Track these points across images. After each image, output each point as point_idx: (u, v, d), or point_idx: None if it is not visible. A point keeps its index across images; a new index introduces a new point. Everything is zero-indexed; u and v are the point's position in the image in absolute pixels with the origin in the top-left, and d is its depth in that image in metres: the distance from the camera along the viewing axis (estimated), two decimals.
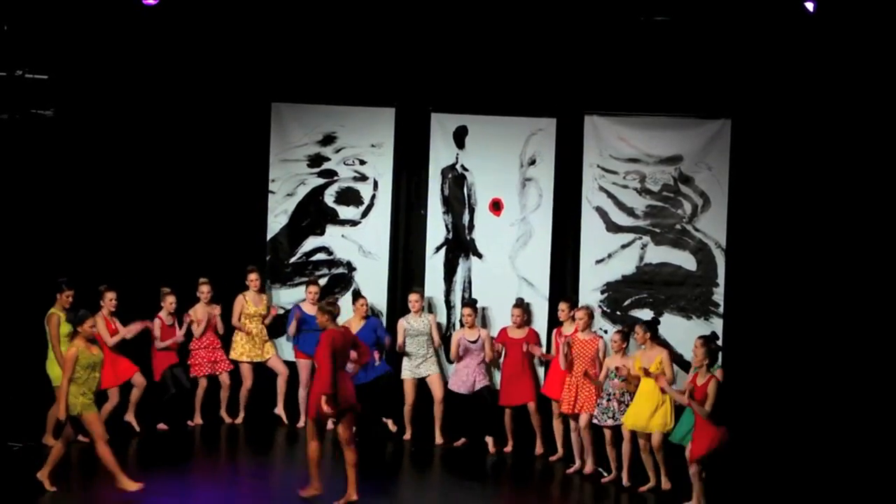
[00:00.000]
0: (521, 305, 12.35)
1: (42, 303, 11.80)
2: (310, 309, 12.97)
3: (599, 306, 12.54)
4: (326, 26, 12.75)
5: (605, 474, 11.34)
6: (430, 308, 13.05)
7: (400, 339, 12.64)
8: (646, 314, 12.40)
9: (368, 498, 10.53)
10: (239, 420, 13.04)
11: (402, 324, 12.67)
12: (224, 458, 12.35)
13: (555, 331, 12.19)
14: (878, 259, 11.62)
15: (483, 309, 12.83)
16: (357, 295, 12.99)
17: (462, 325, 12.54)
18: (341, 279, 13.51)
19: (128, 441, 12.08)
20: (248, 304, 13.03)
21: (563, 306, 12.10)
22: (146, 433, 12.41)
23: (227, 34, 12.91)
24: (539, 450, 12.19)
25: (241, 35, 12.91)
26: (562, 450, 11.95)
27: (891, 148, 11.54)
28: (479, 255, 13.11)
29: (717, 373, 10.21)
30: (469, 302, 12.60)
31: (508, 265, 12.97)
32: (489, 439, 12.34)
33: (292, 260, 13.66)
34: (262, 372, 13.19)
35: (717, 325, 12.18)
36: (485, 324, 12.77)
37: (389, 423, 12.85)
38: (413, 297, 12.71)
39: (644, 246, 12.56)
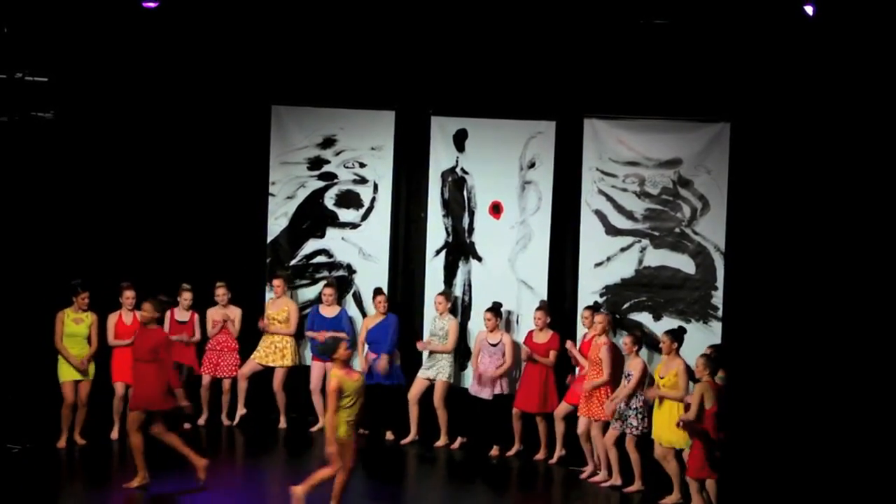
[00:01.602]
0: (543, 308, 12.34)
1: (43, 304, 11.96)
2: (326, 311, 13.17)
3: (602, 310, 12.40)
4: (326, 29, 12.80)
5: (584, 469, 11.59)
6: (455, 311, 13.08)
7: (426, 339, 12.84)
8: (645, 317, 12.44)
9: (369, 500, 10.68)
10: (236, 421, 13.13)
11: (429, 323, 12.89)
12: (223, 460, 12.34)
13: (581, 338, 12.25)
14: (878, 262, 11.58)
15: (508, 313, 12.84)
16: (377, 291, 13.07)
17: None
18: (342, 282, 13.55)
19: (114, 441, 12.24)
20: (268, 306, 13.27)
21: (585, 313, 12.16)
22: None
23: (226, 37, 12.98)
24: (543, 454, 12.26)
25: (240, 38, 12.98)
26: (561, 451, 12.05)
27: (891, 151, 11.54)
28: (479, 258, 13.14)
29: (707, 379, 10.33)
30: (490, 306, 12.57)
31: (508, 268, 12.97)
32: (496, 447, 12.41)
33: (292, 262, 13.74)
34: (266, 375, 13.27)
35: (715, 328, 12.19)
36: (508, 328, 12.79)
37: (388, 433, 12.91)
38: (436, 299, 12.84)
39: (643, 249, 12.53)
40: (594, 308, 12.10)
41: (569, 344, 11.91)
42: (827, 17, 11.06)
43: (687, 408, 10.49)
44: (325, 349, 10.07)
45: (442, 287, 13.15)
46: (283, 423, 13.17)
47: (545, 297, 12.73)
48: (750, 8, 11.36)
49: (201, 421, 13.03)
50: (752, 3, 11.33)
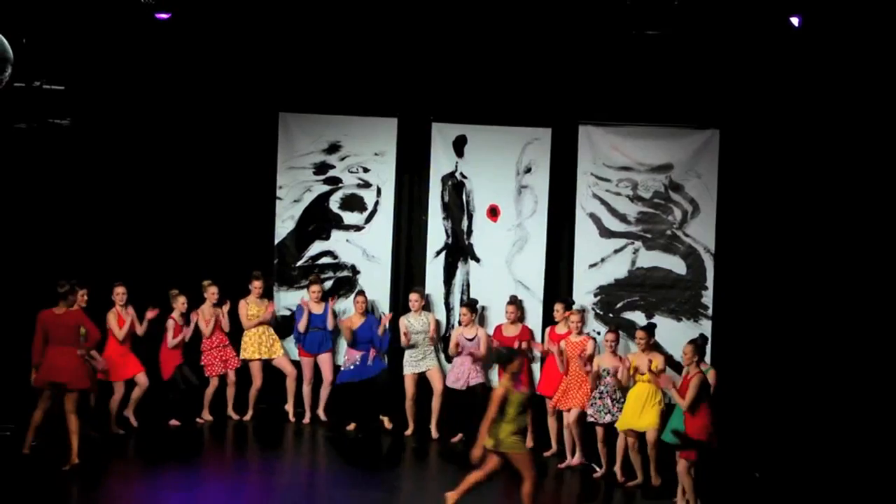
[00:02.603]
0: (515, 302, 12.59)
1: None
2: (314, 308, 13.31)
3: (593, 309, 12.72)
4: (332, 40, 12.98)
5: (597, 469, 11.58)
6: (429, 307, 13.27)
7: (403, 337, 12.93)
8: (638, 316, 12.59)
9: (371, 492, 10.84)
10: (247, 417, 13.28)
11: (403, 322, 12.95)
12: (232, 454, 12.60)
13: (548, 330, 12.44)
14: (861, 261, 11.75)
15: (483, 308, 13.03)
16: (357, 292, 13.27)
17: (460, 324, 12.87)
18: (346, 282, 13.70)
19: (128, 436, 12.40)
20: (251, 306, 13.34)
21: (558, 307, 12.35)
22: (157, 429, 12.66)
23: (236, 47, 13.13)
24: (529, 444, 12.29)
25: (249, 48, 13.12)
26: (555, 446, 12.22)
27: (872, 156, 11.72)
28: (477, 260, 13.29)
29: (710, 374, 10.46)
30: (467, 302, 12.85)
31: (505, 269, 13.13)
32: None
33: (299, 263, 13.84)
34: (269, 369, 13.42)
35: (705, 326, 12.31)
36: (483, 324, 12.96)
37: (386, 420, 13.11)
38: (413, 297, 12.98)
39: (636, 251, 12.69)
40: (566, 303, 12.33)
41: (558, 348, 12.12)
42: (812, 29, 11.25)
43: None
44: (499, 358, 9.98)
45: (442, 287, 13.36)
46: (292, 417, 13.37)
47: (541, 297, 12.92)
48: (738, 20, 11.51)
49: (205, 418, 13.18)
50: (741, 16, 11.47)
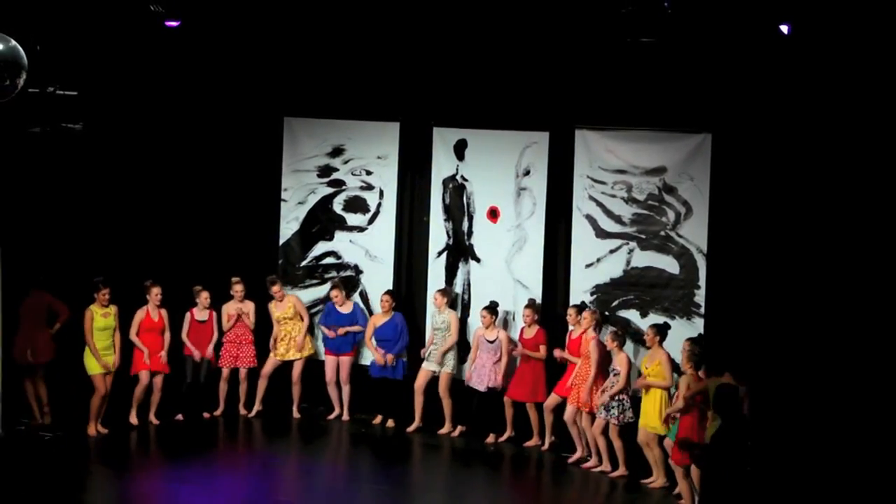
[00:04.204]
0: (532, 306, 12.77)
1: (76, 302, 12.38)
2: (340, 308, 13.59)
3: (589, 307, 12.84)
4: (336, 46, 13.18)
5: (588, 459, 11.99)
6: (454, 305, 13.45)
7: (428, 334, 13.30)
8: (632, 314, 12.74)
9: (373, 486, 11.16)
10: (253, 412, 13.57)
11: (430, 319, 13.34)
12: (240, 449, 12.83)
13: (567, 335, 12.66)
14: (851, 261, 11.83)
15: (506, 313, 13.24)
16: (385, 291, 13.50)
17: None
18: (349, 281, 13.93)
19: (141, 429, 12.72)
20: (274, 309, 13.64)
21: (571, 311, 12.55)
22: (165, 424, 12.93)
23: (242, 54, 13.35)
24: (535, 441, 12.75)
25: (255, 55, 13.34)
26: (551, 438, 12.53)
27: (860, 158, 11.75)
28: (478, 260, 13.51)
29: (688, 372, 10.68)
30: (487, 305, 13.03)
31: (504, 269, 13.32)
32: (492, 435, 12.91)
33: (303, 263, 14.12)
34: (281, 369, 13.70)
35: (698, 324, 12.43)
36: (505, 325, 13.18)
37: (389, 421, 13.42)
38: (434, 296, 13.24)
39: (631, 251, 12.78)
40: (579, 307, 12.53)
41: (556, 352, 12.44)
42: (801, 36, 11.39)
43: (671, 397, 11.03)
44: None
45: (443, 286, 13.54)
46: (296, 414, 13.62)
47: (539, 296, 13.09)
48: (730, 27, 11.65)
49: (217, 412, 13.42)
50: (732, 24, 11.59)
